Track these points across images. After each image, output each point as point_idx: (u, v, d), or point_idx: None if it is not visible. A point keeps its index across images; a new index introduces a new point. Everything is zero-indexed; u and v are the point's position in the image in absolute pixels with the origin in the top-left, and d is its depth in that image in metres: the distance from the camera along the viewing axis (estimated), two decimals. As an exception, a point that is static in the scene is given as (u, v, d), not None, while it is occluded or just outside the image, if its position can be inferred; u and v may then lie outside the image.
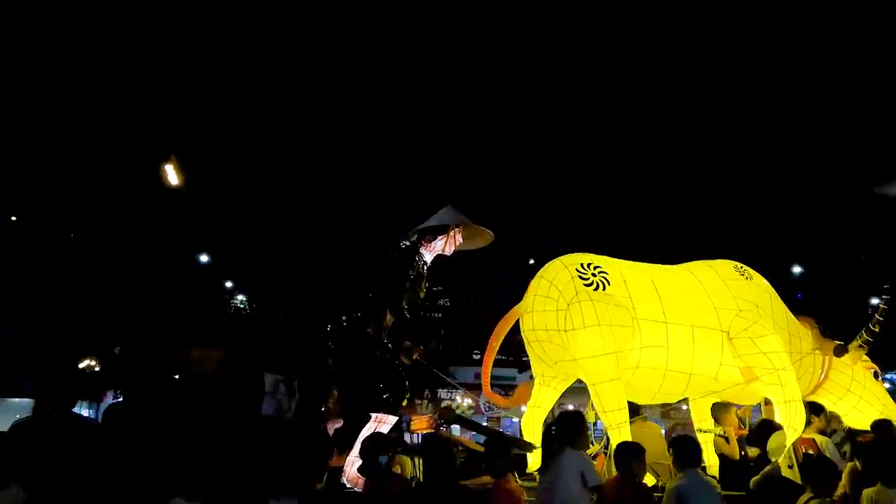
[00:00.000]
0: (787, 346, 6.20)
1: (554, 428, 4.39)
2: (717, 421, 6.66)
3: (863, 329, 6.74)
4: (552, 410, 6.66)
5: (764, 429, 5.30)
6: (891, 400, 6.81)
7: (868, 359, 6.96)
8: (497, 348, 6.16)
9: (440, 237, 6.01)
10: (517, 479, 4.65)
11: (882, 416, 6.07)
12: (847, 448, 5.86)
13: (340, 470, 5.15)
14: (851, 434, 6.30)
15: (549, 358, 6.02)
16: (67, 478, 3.41)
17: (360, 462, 5.22)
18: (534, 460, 6.12)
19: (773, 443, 4.98)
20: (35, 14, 13.61)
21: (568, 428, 4.35)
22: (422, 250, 5.94)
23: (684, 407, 9.04)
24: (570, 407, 9.14)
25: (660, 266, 6.55)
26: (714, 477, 5.56)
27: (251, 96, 16.02)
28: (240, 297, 21.00)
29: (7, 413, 16.39)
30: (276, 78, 16.00)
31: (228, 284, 20.72)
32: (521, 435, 6.25)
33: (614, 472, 5.31)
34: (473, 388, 16.89)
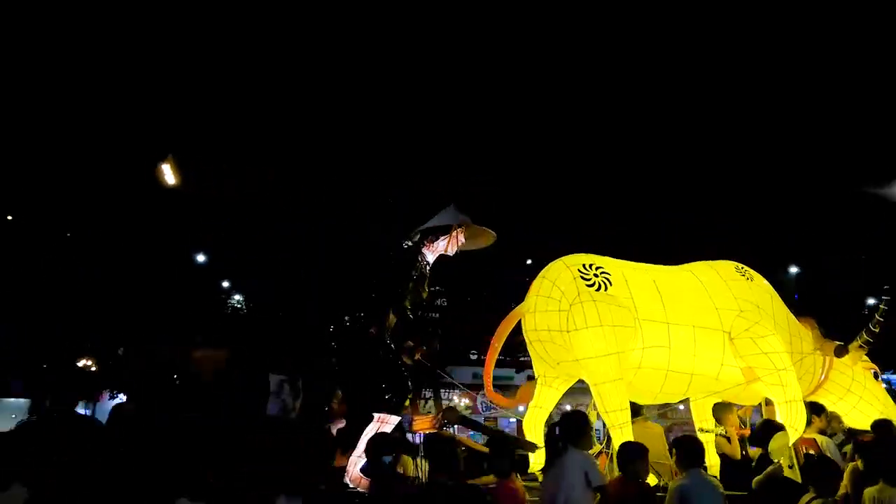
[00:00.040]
0: (787, 346, 6.23)
1: (558, 428, 4.39)
2: (718, 421, 6.68)
3: (863, 330, 6.77)
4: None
5: (766, 429, 5.31)
6: (890, 400, 6.84)
7: (868, 359, 6.99)
8: (499, 349, 6.18)
9: (443, 237, 6.03)
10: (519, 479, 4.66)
11: (882, 416, 6.10)
12: (848, 448, 5.88)
13: (343, 470, 5.16)
14: (851, 434, 6.32)
15: (551, 358, 6.03)
16: (73, 478, 3.41)
17: (362, 462, 5.23)
18: (535, 460, 6.14)
19: (775, 443, 4.99)
20: (32, 13, 13.59)
21: (571, 428, 4.35)
22: (424, 250, 5.95)
23: (681, 407, 9.08)
24: (568, 407, 9.14)
25: (661, 267, 6.57)
26: (715, 477, 5.57)
27: (252, 96, 16.02)
28: (237, 296, 20.95)
29: (2, 413, 16.38)
30: (277, 78, 16.00)
31: (227, 284, 20.68)
32: (520, 435, 6.26)
33: (616, 472, 5.33)
34: (470, 388, 16.92)
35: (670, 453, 5.09)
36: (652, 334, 5.81)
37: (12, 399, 18.47)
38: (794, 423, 5.74)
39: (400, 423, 5.55)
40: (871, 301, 19.56)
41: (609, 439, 5.83)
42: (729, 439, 6.58)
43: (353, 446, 5.21)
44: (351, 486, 5.11)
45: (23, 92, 14.38)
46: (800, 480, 4.95)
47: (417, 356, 6.38)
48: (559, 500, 4.03)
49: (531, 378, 6.60)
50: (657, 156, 17.52)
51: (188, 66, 15.28)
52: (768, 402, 6.47)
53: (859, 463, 4.83)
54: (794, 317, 6.78)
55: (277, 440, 4.51)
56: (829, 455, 5.53)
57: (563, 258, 6.19)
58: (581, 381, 6.14)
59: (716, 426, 6.65)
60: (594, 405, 5.86)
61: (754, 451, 5.85)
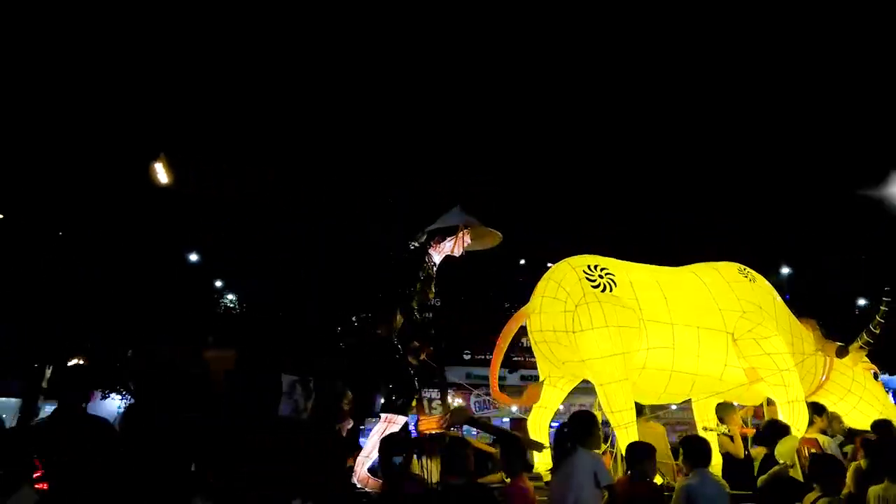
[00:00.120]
0: (790, 347, 6.30)
1: (566, 428, 4.42)
2: (721, 420, 6.73)
3: (863, 331, 6.85)
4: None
5: (771, 429, 5.36)
6: (890, 400, 6.93)
7: (868, 360, 7.07)
8: (505, 349, 6.20)
9: (449, 238, 6.05)
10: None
11: (882, 417, 6.17)
12: (848, 448, 5.94)
13: (351, 470, 5.19)
14: (852, 434, 6.38)
15: (557, 358, 6.08)
16: (89, 478, 3.42)
17: (370, 462, 5.26)
18: (540, 460, 6.18)
19: (783, 446, 5.05)
20: (26, 11, 13.53)
21: (580, 428, 4.39)
22: (431, 251, 5.98)
23: (673, 407, 9.15)
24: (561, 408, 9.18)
25: (665, 268, 6.63)
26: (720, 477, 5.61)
27: (252, 96, 16.00)
28: (229, 296, 20.88)
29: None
30: (277, 78, 15.98)
31: (226, 285, 20.64)
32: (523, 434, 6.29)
33: (620, 472, 5.38)
34: (463, 388, 16.99)
35: (677, 453, 5.14)
36: (656, 335, 5.86)
37: (3, 399, 18.37)
38: (796, 423, 5.81)
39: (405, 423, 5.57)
40: (861, 302, 19.72)
41: (614, 439, 5.87)
42: (732, 438, 6.64)
43: (355, 446, 5.24)
44: (358, 486, 5.14)
45: (18, 91, 14.31)
46: (801, 480, 5.01)
47: (423, 356, 6.41)
48: (569, 500, 4.06)
49: (524, 378, 6.65)
50: (657, 156, 17.60)
51: (191, 66, 15.25)
52: (770, 403, 6.54)
53: (862, 462, 4.88)
54: (795, 318, 6.86)
55: (278, 440, 4.52)
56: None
57: (568, 259, 6.24)
58: (587, 381, 6.18)
59: (718, 425, 6.71)
60: (599, 405, 5.91)
61: (755, 451, 5.91)
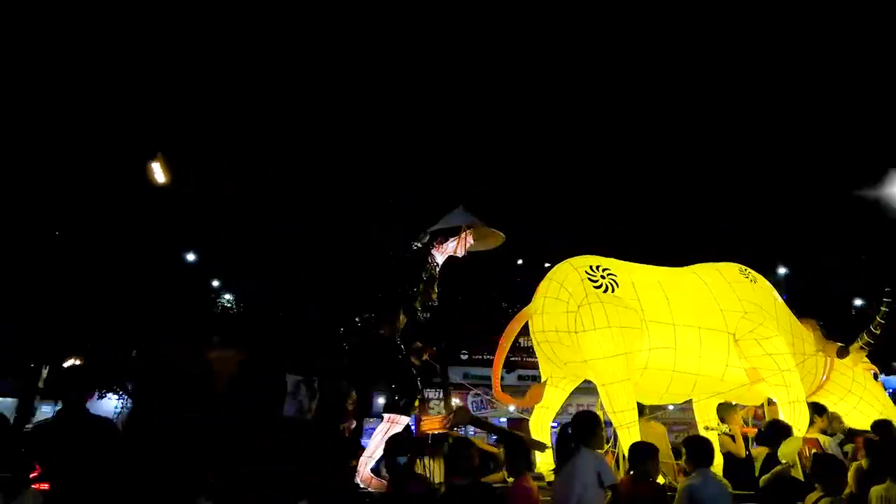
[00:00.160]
0: (790, 347, 6.32)
1: (569, 428, 4.44)
2: (723, 420, 6.75)
3: (864, 331, 6.88)
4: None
5: (774, 429, 5.38)
6: (890, 401, 6.96)
7: (868, 360, 7.10)
8: (507, 348, 6.21)
9: (452, 239, 6.06)
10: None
11: (882, 417, 6.19)
12: (849, 448, 5.96)
13: (354, 470, 5.19)
14: (852, 434, 6.41)
15: (559, 359, 6.09)
16: (95, 478, 3.43)
17: (373, 462, 5.27)
18: (542, 460, 6.20)
19: (787, 447, 5.07)
20: (24, 10, 13.50)
21: (583, 428, 4.40)
22: (433, 252, 5.99)
23: (670, 407, 9.17)
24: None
25: (666, 268, 6.65)
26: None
27: (251, 96, 15.98)
28: (226, 295, 20.87)
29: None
30: (277, 78, 15.97)
31: (226, 285, 20.62)
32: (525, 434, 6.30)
33: (622, 472, 5.39)
34: (461, 388, 17.03)
35: (679, 453, 5.15)
36: (658, 335, 5.88)
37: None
38: (797, 423, 5.83)
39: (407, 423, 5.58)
40: (861, 302, 19.77)
41: (615, 439, 5.89)
42: (733, 438, 6.66)
43: (358, 446, 5.24)
44: (361, 486, 5.15)
45: (17, 91, 14.28)
46: (802, 479, 5.03)
47: (425, 357, 6.43)
48: (572, 500, 4.07)
49: (522, 378, 6.68)
50: (657, 156, 17.63)
51: (187, 65, 15.23)
52: (771, 403, 6.57)
53: (863, 462, 4.90)
54: (795, 318, 6.89)
55: (278, 440, 4.53)
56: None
57: (570, 260, 6.25)
58: (588, 381, 6.19)
59: (719, 425, 6.73)
60: (601, 405, 5.92)
61: (757, 451, 5.93)
